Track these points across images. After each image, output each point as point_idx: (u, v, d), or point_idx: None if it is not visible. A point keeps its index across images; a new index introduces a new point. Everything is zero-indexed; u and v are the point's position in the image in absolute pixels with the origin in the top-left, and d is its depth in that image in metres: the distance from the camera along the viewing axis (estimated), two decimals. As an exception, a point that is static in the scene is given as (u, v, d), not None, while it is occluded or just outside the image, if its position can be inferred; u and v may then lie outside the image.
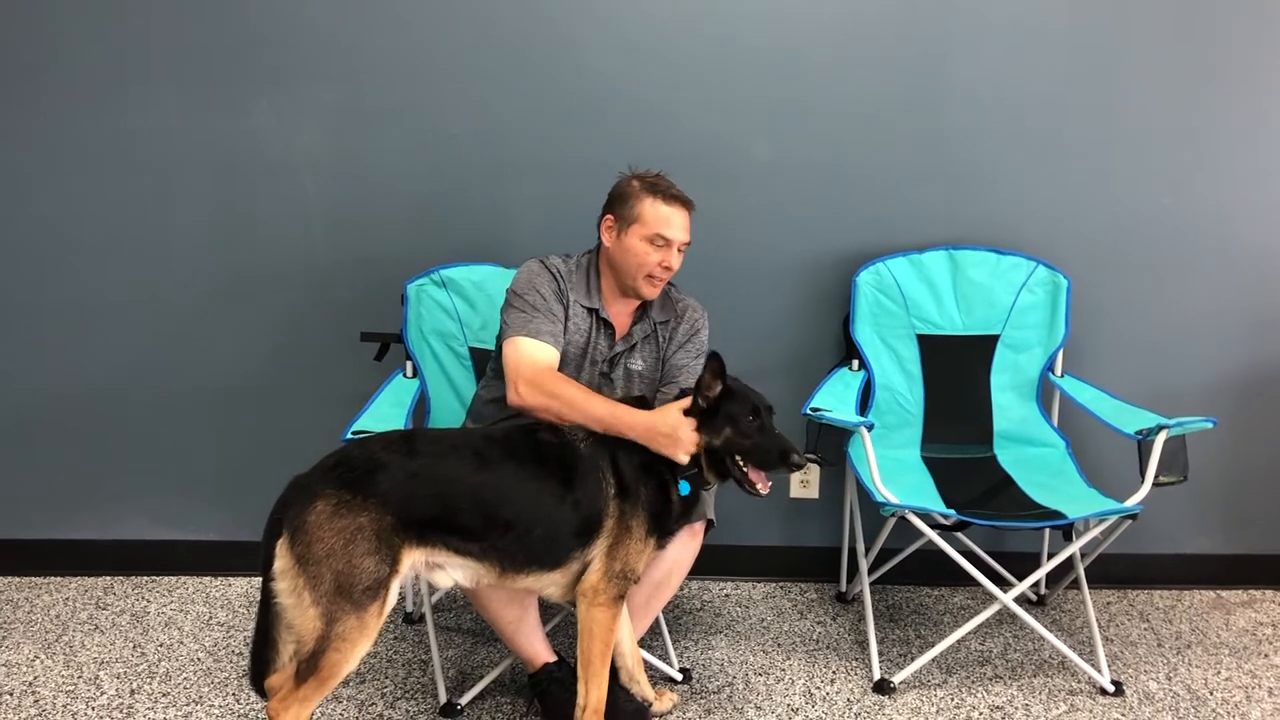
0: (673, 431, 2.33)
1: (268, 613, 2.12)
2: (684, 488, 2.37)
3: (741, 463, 2.36)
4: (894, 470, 2.93)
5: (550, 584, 2.31)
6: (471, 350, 3.03)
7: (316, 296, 3.22)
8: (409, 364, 3.04)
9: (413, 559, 2.16)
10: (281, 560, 2.08)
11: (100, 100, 3.08)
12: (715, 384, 2.37)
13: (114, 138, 3.10)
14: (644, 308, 2.65)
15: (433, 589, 2.70)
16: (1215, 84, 3.16)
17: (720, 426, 2.35)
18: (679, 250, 2.55)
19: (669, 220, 2.51)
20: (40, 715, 2.59)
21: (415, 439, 2.29)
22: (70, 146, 3.11)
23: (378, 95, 3.11)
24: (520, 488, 2.24)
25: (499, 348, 2.61)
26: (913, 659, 2.84)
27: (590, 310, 2.59)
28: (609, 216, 2.58)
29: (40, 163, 3.12)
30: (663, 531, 2.39)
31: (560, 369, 2.55)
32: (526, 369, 2.43)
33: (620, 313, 2.64)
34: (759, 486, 2.36)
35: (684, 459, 2.34)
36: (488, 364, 2.74)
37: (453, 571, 2.23)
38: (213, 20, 3.05)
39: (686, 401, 2.38)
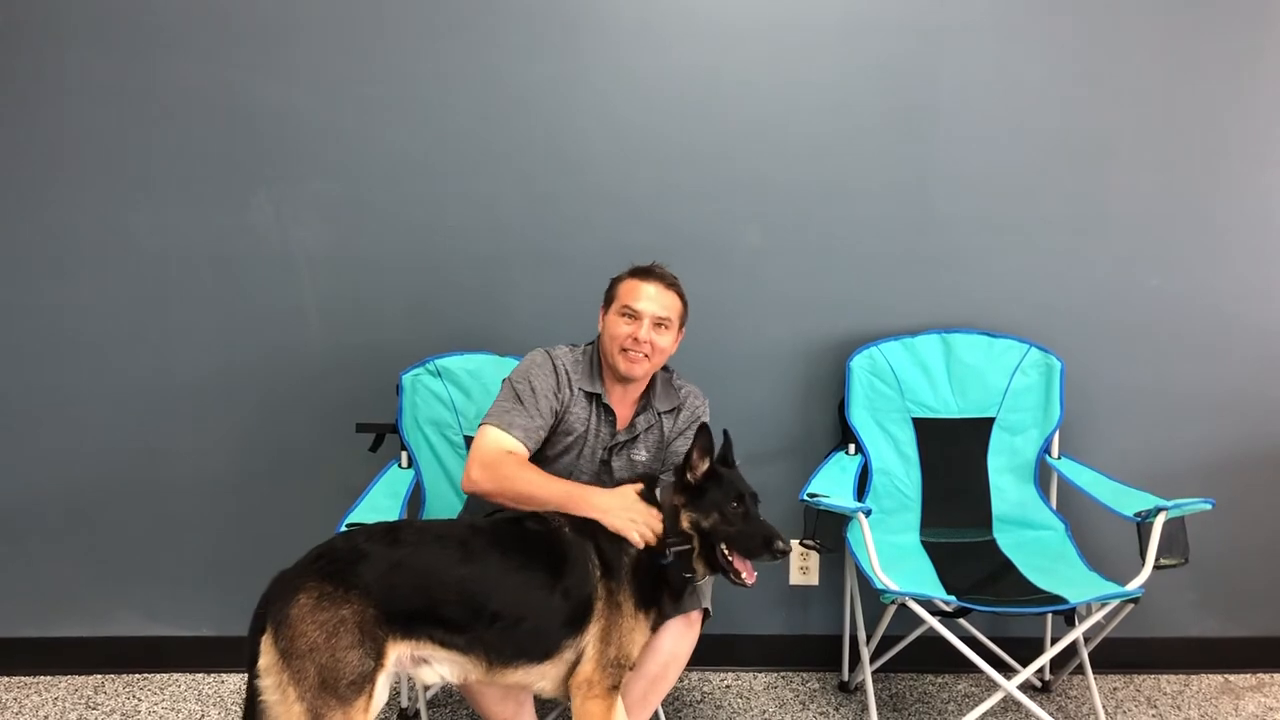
0: (628, 509, 2.34)
1: (253, 710, 2.07)
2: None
3: (726, 551, 2.33)
4: (893, 556, 2.90)
5: (540, 677, 2.26)
6: (467, 439, 3.02)
7: (312, 387, 3.22)
8: (404, 454, 3.03)
9: (398, 652, 2.12)
10: (266, 656, 2.05)
11: (99, 194, 3.11)
12: (702, 462, 2.36)
13: (112, 231, 3.13)
14: (648, 398, 2.66)
15: (426, 684, 2.65)
16: (1203, 165, 3.19)
17: (708, 509, 2.34)
18: (655, 325, 2.55)
19: (637, 291, 2.55)
20: (23, 820, 2.54)
21: (400, 530, 2.27)
22: (69, 240, 3.13)
23: (373, 189, 3.15)
24: (507, 577, 2.21)
25: None
26: (917, 750, 2.79)
27: (591, 395, 2.60)
28: (602, 306, 2.62)
29: (39, 256, 3.14)
30: (652, 604, 2.34)
31: (562, 456, 2.56)
32: (483, 454, 2.44)
33: (621, 401, 2.64)
34: (744, 576, 2.32)
35: (637, 540, 2.31)
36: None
37: (439, 667, 2.18)
38: (211, 115, 3.10)
39: (639, 486, 2.41)
